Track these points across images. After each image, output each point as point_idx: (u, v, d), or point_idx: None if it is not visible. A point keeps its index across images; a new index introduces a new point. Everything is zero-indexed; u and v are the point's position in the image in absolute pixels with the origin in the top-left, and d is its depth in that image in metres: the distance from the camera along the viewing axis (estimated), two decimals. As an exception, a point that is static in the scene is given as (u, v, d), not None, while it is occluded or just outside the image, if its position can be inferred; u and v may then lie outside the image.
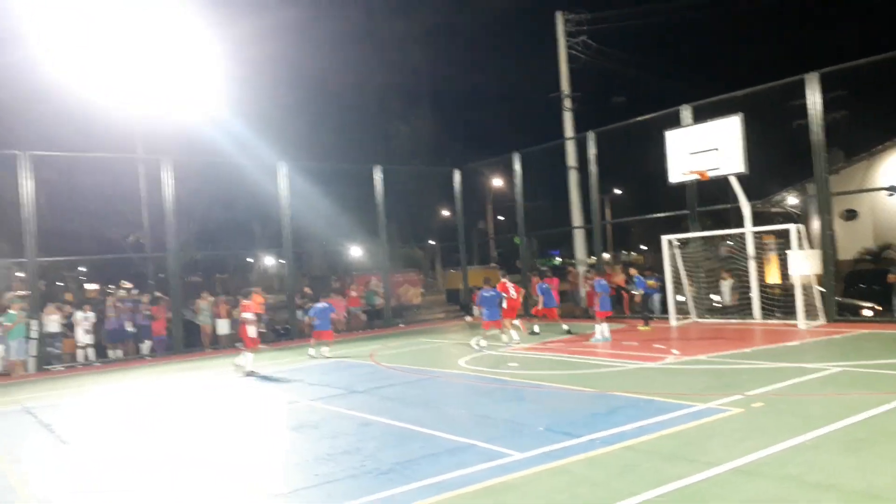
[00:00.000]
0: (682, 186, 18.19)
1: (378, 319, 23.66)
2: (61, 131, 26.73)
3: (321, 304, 16.43)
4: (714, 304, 18.47)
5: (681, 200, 19.22)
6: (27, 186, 17.57)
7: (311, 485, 6.16)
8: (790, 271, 15.66)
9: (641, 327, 17.26)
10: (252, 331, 13.96)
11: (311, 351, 16.18)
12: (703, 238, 18.68)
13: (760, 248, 16.91)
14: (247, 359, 13.79)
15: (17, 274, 25.83)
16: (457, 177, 26.37)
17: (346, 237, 33.85)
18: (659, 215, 21.58)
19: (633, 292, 19.02)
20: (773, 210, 30.09)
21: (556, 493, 5.45)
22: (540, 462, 6.24)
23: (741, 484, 5.32)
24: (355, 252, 37.63)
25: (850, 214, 25.90)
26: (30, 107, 26.87)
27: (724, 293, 18.17)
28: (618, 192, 57.55)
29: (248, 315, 14.03)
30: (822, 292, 15.75)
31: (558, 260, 57.66)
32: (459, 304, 26.27)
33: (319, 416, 9.19)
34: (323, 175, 27.80)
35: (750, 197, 17.06)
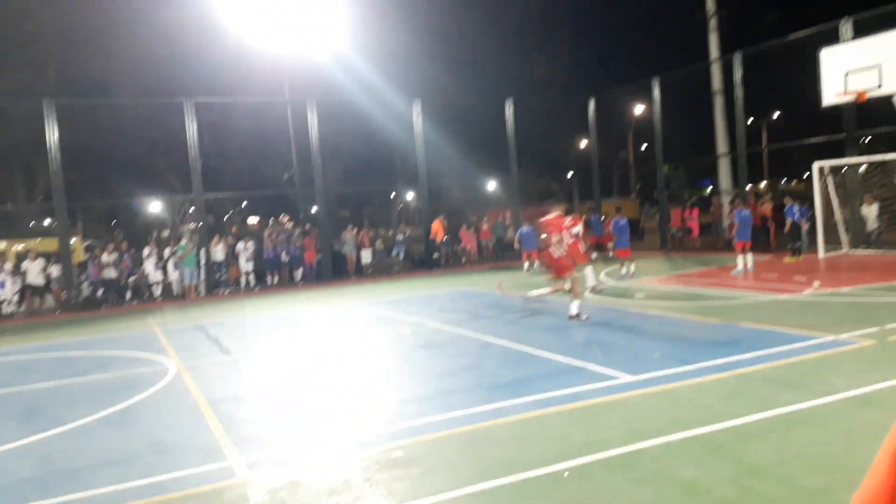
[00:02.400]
0: (841, 109, 16.63)
1: (510, 251, 24.10)
2: (220, 78, 29.02)
3: (525, 229, 18.60)
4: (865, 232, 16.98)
5: (844, 123, 17.58)
6: (192, 129, 19.52)
7: (432, 395, 6.80)
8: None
9: (788, 259, 16.34)
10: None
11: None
12: (871, 163, 17.12)
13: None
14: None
15: (189, 209, 28.82)
16: (591, 105, 25.70)
17: (481, 172, 34.27)
18: (813, 140, 19.90)
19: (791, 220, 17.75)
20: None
21: (660, 411, 5.66)
22: (648, 385, 6.44)
23: (852, 413, 5.24)
24: (490, 186, 38.01)
25: None
26: (192, 56, 29.31)
27: (869, 219, 16.67)
28: (775, 116, 53.06)
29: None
30: None
31: (709, 190, 54.70)
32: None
33: (445, 338, 9.85)
34: (457, 110, 28.20)
35: None
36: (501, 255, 23.81)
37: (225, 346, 10.72)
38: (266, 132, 31.66)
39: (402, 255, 23.01)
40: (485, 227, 24.11)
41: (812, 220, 17.22)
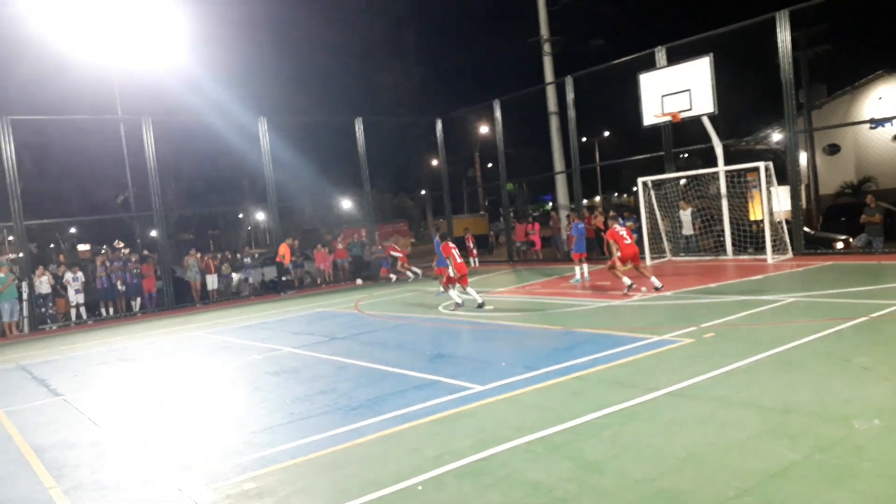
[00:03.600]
0: (661, 128, 18.39)
1: (365, 270, 24.09)
2: (42, 95, 26.66)
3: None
4: (683, 238, 18.76)
5: (663, 142, 19.43)
6: (8, 150, 17.71)
7: (286, 422, 6.64)
8: (760, 207, 16.05)
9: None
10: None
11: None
12: (687, 177, 19.00)
13: (744, 186, 17.17)
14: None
15: (8, 238, 26.08)
16: (439, 126, 26.45)
17: (333, 190, 34.04)
18: (638, 157, 21.83)
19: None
20: (759, 147, 30.32)
21: (507, 418, 5.95)
22: (497, 393, 6.73)
23: (673, 405, 5.81)
24: (345, 205, 37.83)
25: (833, 149, 26.18)
26: (9, 70, 26.70)
27: (686, 223, 18.53)
28: (606, 134, 57.45)
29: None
30: (790, 227, 16.19)
31: (550, 205, 57.99)
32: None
33: (300, 362, 9.66)
34: (306, 129, 27.88)
35: (738, 135, 17.31)
36: (359, 273, 23.76)
37: (53, 386, 9.79)
38: (96, 153, 29.47)
39: (250, 279, 22.27)
40: (339, 245, 23.95)
41: (638, 231, 18.82)
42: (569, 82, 21.46)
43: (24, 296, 17.41)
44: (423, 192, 51.41)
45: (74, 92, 26.93)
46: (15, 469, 5.93)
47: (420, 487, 4.59)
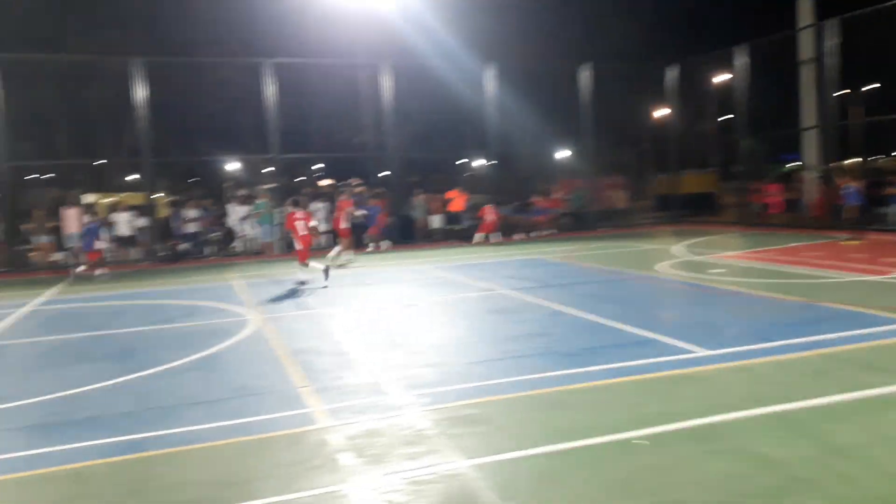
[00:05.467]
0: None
1: (580, 222, 23.81)
2: (298, 39, 29.43)
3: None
4: None
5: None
6: (270, 90, 19.93)
7: (501, 357, 6.88)
8: None
9: (846, 241, 15.52)
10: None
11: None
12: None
13: None
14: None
15: (267, 169, 29.60)
16: (671, 73, 24.81)
17: (553, 140, 33.70)
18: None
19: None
20: None
21: (738, 386, 5.57)
22: (725, 360, 6.32)
23: (945, 398, 5.03)
24: (563, 155, 37.38)
25: None
26: (272, 16, 29.79)
27: None
28: (871, 87, 49.81)
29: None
30: None
31: (790, 165, 52.19)
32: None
33: (514, 304, 9.89)
34: (529, 76, 27.69)
35: None
36: (573, 225, 23.54)
37: (302, 300, 11.08)
38: (339, 95, 32.00)
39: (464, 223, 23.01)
40: (556, 195, 23.84)
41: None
42: (831, 25, 18.81)
43: (277, 221, 19.76)
44: (643, 145, 49.01)
45: (323, 38, 29.35)
46: (275, 367, 6.85)
47: (647, 442, 4.49)
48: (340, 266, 15.39)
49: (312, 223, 13.11)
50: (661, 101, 29.77)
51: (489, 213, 20.53)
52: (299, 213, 12.94)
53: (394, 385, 6.03)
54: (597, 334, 7.70)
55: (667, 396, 5.41)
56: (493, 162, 23.57)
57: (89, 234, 15.86)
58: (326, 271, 12.52)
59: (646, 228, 23.72)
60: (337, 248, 16.14)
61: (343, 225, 16.43)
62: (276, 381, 6.34)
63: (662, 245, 17.29)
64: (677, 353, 6.63)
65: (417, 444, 4.63)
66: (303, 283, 12.55)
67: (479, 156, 40.82)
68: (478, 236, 20.15)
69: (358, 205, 20.93)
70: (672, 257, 14.52)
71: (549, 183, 27.05)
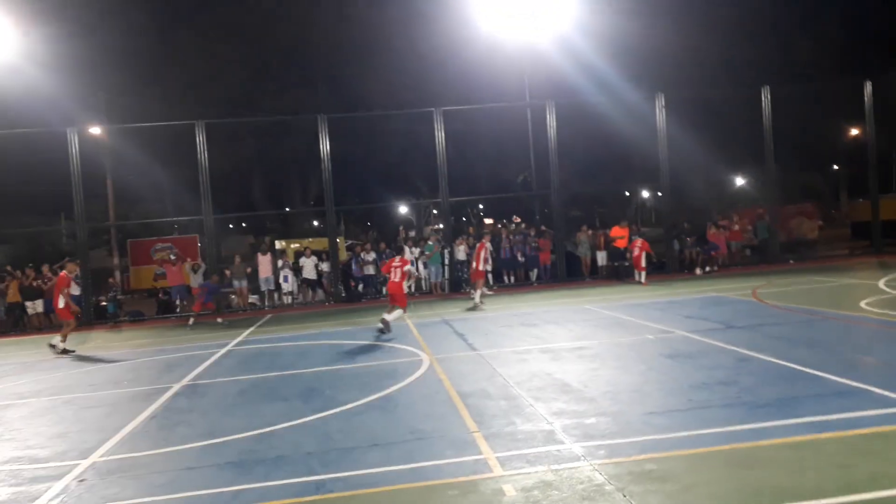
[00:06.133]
0: None
1: (764, 254, 22.04)
2: (463, 86, 30.65)
3: None
4: None
5: None
6: (440, 137, 20.79)
7: (684, 408, 6.44)
8: None
9: None
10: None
11: None
12: None
13: None
14: None
15: (433, 211, 30.84)
16: (868, 89, 22.47)
17: (732, 167, 31.81)
18: None
19: None
20: None
21: (970, 451, 4.77)
22: (953, 417, 5.46)
23: None
24: (740, 182, 35.15)
25: None
26: (439, 67, 31.32)
27: None
28: None
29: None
30: None
31: None
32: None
33: (695, 348, 9.29)
34: (702, 102, 26.48)
35: None
36: (757, 258, 21.87)
37: (470, 341, 11.24)
38: (503, 136, 32.67)
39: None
40: (735, 227, 22.33)
41: None
42: None
43: (446, 261, 20.36)
44: (835, 167, 44.67)
45: (488, 82, 30.30)
46: (447, 410, 6.96)
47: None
48: (474, 308, 15.56)
49: (407, 268, 13.19)
50: (855, 120, 27.04)
51: (636, 248, 19.20)
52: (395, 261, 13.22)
53: (567, 434, 5.86)
54: (792, 383, 6.99)
55: (878, 456, 4.75)
56: (662, 194, 22.62)
57: (210, 291, 17.24)
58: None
59: (841, 261, 21.42)
60: (476, 293, 16.10)
61: (481, 267, 16.31)
62: (449, 424, 6.43)
63: (863, 279, 15.50)
64: (889, 406, 5.83)
65: (595, 500, 4.45)
66: (382, 331, 12.38)
67: (648, 188, 39.48)
68: (639, 274, 19.06)
69: (517, 244, 21.00)
70: (876, 293, 12.94)
71: (726, 213, 25.43)
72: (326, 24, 28.69)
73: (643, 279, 18.66)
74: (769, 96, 21.90)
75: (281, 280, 20.08)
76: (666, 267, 21.33)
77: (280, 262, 20.50)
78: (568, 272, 21.26)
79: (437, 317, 14.88)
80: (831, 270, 18.26)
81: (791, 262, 21.59)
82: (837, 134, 38.87)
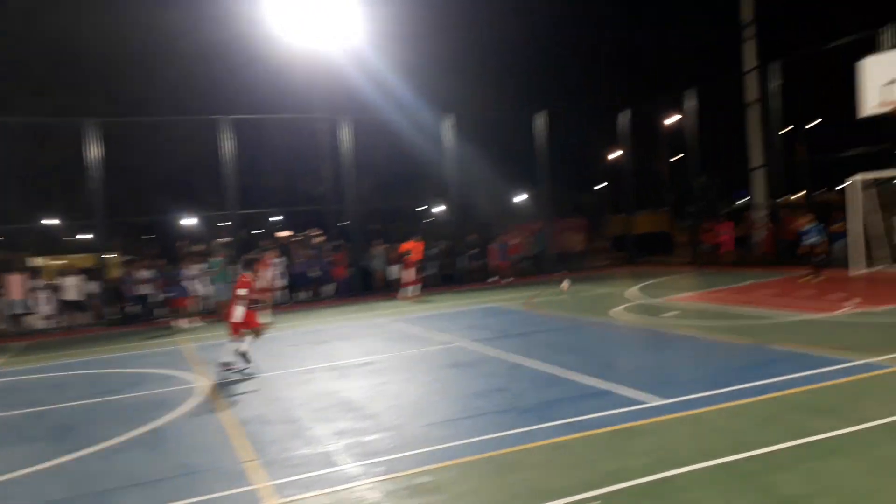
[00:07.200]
0: (882, 120, 16.23)
1: (539, 266, 23.99)
2: (256, 96, 29.63)
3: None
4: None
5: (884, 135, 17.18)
6: (227, 147, 19.88)
7: (458, 417, 6.77)
8: None
9: (804, 279, 15.77)
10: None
11: None
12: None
13: None
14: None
15: (221, 223, 29.34)
16: (623, 117, 25.54)
17: (512, 185, 34.21)
18: (851, 153, 19.44)
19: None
20: None
21: (689, 438, 5.56)
22: (679, 409, 6.33)
23: (886, 442, 5.09)
24: (520, 199, 37.83)
25: None
26: (229, 74, 29.98)
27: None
28: (813, 124, 51.87)
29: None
30: None
31: (739, 202, 53.56)
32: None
33: (475, 357, 9.82)
34: (486, 124, 28.22)
35: None
36: (531, 270, 23.69)
37: (253, 364, 10.81)
38: (302, 149, 32.11)
39: (425, 272, 22.99)
40: (514, 241, 24.03)
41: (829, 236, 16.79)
42: (773, 69, 19.66)
43: (231, 279, 19.45)
44: (600, 186, 50.05)
45: (283, 94, 29.61)
46: (220, 440, 6.62)
47: (599, 501, 4.43)
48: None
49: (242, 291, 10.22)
50: (615, 143, 30.54)
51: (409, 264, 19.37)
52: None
53: (346, 454, 5.87)
54: (554, 387, 7.66)
55: (619, 452, 5.37)
56: (451, 209, 23.73)
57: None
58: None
59: (603, 270, 24.00)
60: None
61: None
62: (221, 456, 6.12)
63: (618, 288, 17.48)
64: (631, 405, 6.62)
65: (365, 519, 4.49)
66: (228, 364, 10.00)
67: (438, 203, 41.11)
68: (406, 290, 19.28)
69: (313, 257, 20.73)
70: (627, 301, 14.68)
71: (507, 228, 27.31)
72: (99, 22, 26.10)
73: (410, 292, 19.11)
74: (545, 120, 23.98)
75: (36, 302, 17.77)
76: (452, 279, 22.33)
77: (34, 283, 18.14)
78: (363, 286, 21.40)
79: (219, 339, 14.12)
80: (593, 280, 20.37)
81: (562, 272, 23.74)
82: (603, 156, 43.58)
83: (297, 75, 28.37)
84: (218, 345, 13.13)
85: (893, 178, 16.71)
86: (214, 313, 18.82)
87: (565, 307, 14.68)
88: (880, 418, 5.55)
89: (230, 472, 5.65)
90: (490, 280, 22.04)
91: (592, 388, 7.41)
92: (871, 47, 16.30)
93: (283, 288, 20.36)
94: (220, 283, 19.03)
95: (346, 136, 21.29)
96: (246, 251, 20.45)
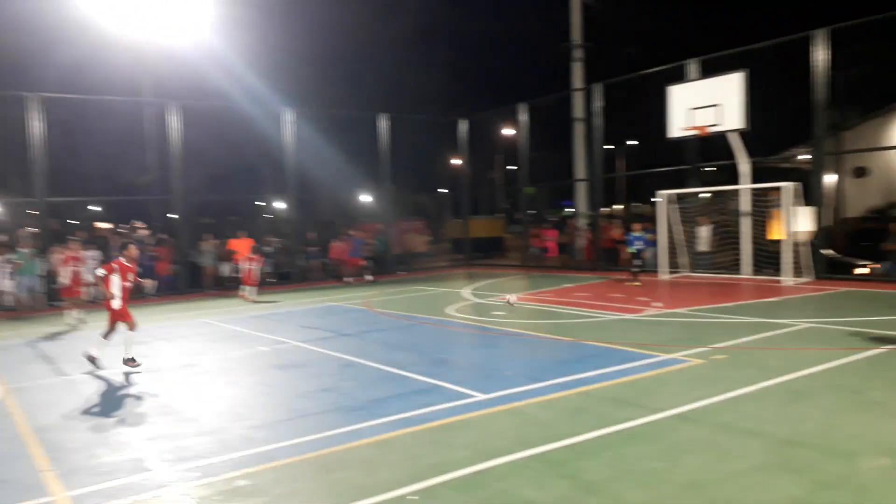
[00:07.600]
0: (687, 141, 18.16)
1: (381, 266, 24.10)
2: (79, 77, 26.98)
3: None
4: (697, 253, 18.44)
5: (687, 155, 19.19)
6: (36, 127, 17.91)
7: (285, 418, 6.62)
8: (780, 227, 15.85)
9: (629, 283, 17.36)
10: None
11: None
12: (710, 192, 18.79)
13: (767, 205, 16.92)
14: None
15: (28, 212, 26.41)
16: (462, 126, 26.39)
17: (354, 184, 34.05)
18: (661, 170, 21.60)
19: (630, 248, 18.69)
20: (785, 166, 29.85)
21: (507, 430, 5.86)
22: (499, 403, 6.65)
23: (676, 428, 5.70)
24: (365, 199, 37.81)
25: (861, 172, 25.66)
26: (45, 49, 27.06)
27: (702, 239, 18.23)
28: (631, 143, 56.90)
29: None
30: (810, 249, 15.92)
31: (566, 212, 57.50)
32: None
33: (306, 357, 9.65)
34: (330, 121, 27.88)
35: (767, 152, 17.09)
36: (373, 270, 23.68)
37: (60, 365, 9.86)
38: (127, 134, 29.74)
39: (262, 269, 22.27)
40: (369, 238, 23.94)
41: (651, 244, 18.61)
42: (597, 89, 21.29)
43: (42, 271, 17.58)
44: (440, 191, 51.38)
45: (107, 75, 27.25)
46: (14, 449, 5.95)
47: (416, 497, 4.52)
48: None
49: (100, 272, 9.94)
50: (454, 151, 31.47)
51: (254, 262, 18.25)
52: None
53: (158, 459, 5.52)
54: (385, 384, 7.73)
55: (442, 446, 5.53)
56: (290, 206, 23.15)
57: None
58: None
59: (442, 271, 24.65)
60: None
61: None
62: (15, 466, 5.50)
63: (454, 288, 18.04)
64: (456, 399, 6.85)
65: (175, 527, 4.25)
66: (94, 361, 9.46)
67: (278, 199, 39.94)
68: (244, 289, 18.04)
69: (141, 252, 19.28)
70: (461, 300, 15.19)
71: (350, 227, 27.15)
72: None
73: (247, 292, 17.85)
74: (387, 123, 24.15)
75: None
76: (290, 277, 21.80)
77: None
78: (191, 283, 20.23)
79: (21, 338, 12.73)
80: (432, 280, 20.86)
81: (401, 272, 24.05)
82: (444, 162, 44.74)
83: (125, 56, 26.28)
84: (19, 345, 11.82)
85: (695, 194, 18.79)
86: (16, 310, 16.94)
87: (403, 306, 14.88)
88: (675, 407, 6.20)
89: (23, 483, 5.10)
90: (346, 279, 21.70)
91: (423, 384, 7.58)
92: (680, 76, 18.22)
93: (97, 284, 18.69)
94: (26, 277, 17.16)
95: (174, 122, 20.02)
96: (58, 243, 18.61)
